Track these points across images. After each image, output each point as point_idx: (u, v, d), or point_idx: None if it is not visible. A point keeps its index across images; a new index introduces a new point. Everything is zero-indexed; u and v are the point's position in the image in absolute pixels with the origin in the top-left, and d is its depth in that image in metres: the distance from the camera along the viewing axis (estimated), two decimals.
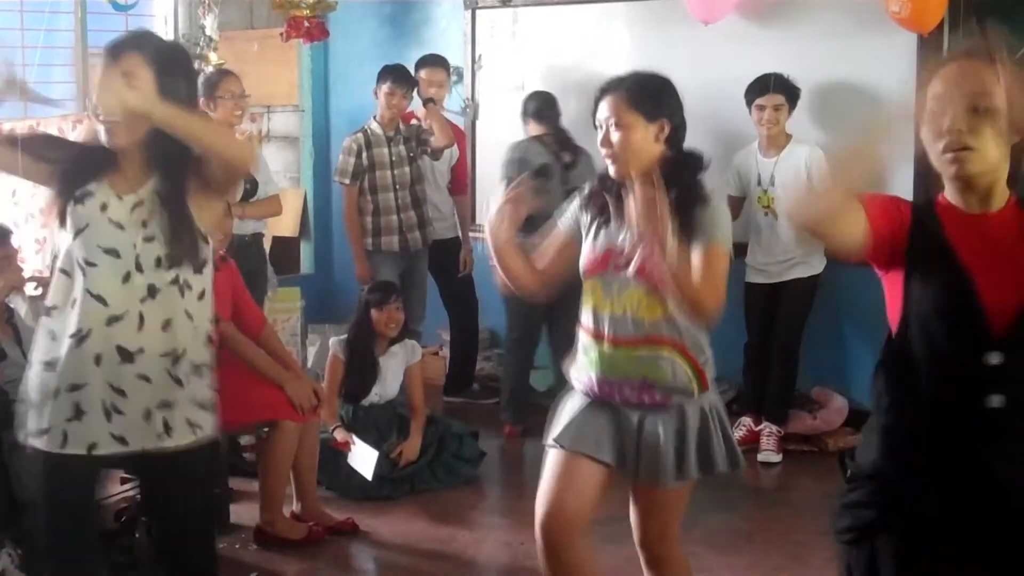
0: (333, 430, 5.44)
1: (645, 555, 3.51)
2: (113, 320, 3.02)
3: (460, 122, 7.30)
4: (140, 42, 3.08)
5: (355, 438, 5.42)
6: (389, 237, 6.55)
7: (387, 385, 5.63)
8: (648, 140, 3.25)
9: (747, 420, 6.12)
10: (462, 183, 7.15)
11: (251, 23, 7.71)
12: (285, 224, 7.64)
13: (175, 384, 3.07)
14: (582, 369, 3.34)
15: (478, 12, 7.40)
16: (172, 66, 3.06)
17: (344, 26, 7.73)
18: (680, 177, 3.22)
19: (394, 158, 6.56)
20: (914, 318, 2.38)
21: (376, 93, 6.60)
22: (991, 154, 2.33)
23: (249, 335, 4.91)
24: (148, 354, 3.04)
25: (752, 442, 6.01)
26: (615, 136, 3.24)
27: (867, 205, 2.41)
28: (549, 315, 6.12)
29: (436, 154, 6.78)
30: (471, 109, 7.35)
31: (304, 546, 4.88)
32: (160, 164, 3.03)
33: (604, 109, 3.29)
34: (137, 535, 4.49)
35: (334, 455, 5.37)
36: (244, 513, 5.11)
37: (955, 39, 5.82)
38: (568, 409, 3.37)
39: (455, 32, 7.50)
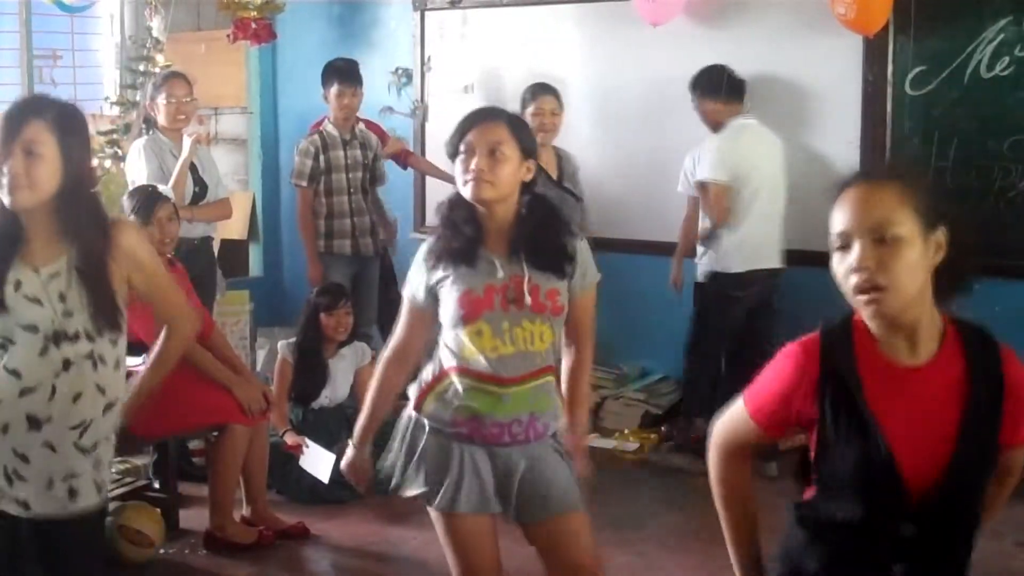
0: (283, 433, 5.41)
1: None
2: (26, 391, 2.99)
3: (409, 124, 7.30)
4: (39, 108, 3.02)
5: (308, 441, 5.40)
6: (341, 240, 6.51)
7: (337, 388, 5.61)
8: (519, 176, 3.17)
9: (698, 421, 6.12)
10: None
11: (198, 25, 7.65)
12: (234, 227, 7.59)
13: (79, 454, 3.03)
14: (456, 412, 3.14)
15: (427, 14, 7.40)
16: (72, 128, 3.03)
17: (292, 28, 7.69)
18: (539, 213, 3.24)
19: (349, 161, 6.50)
20: (829, 479, 2.26)
21: (325, 97, 6.54)
22: (908, 289, 2.11)
23: (197, 339, 4.88)
24: (56, 424, 3.00)
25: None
26: (491, 162, 3.10)
27: (755, 418, 2.36)
28: None
29: (382, 178, 6.76)
30: (420, 111, 7.34)
31: (254, 550, 4.86)
32: (74, 236, 2.98)
33: (489, 132, 3.14)
34: None
35: (284, 458, 5.35)
36: (193, 518, 5.07)
37: (900, 41, 5.89)
38: (433, 459, 3.19)
39: (404, 34, 7.49)
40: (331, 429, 5.57)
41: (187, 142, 5.69)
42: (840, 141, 6.11)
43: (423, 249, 3.23)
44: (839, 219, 2.14)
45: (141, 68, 6.51)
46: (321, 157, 6.44)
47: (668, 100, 6.24)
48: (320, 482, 5.33)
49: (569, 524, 3.21)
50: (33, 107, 3.03)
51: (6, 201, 2.97)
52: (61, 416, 2.99)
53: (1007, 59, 5.67)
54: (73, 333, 2.98)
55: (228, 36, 7.11)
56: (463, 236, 3.15)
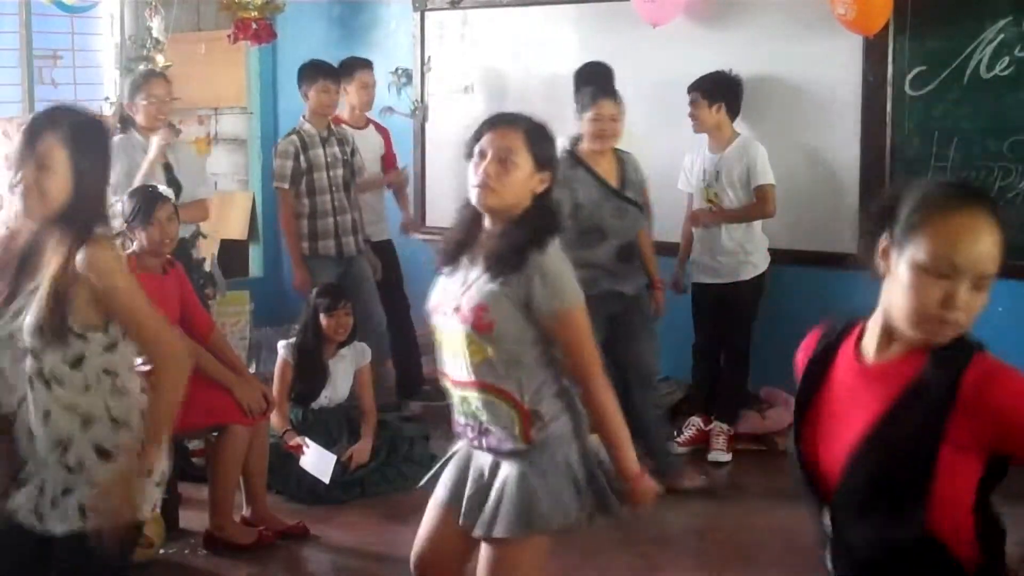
0: (284, 434, 5.41)
1: None
2: (20, 402, 3.04)
3: (409, 124, 7.30)
4: (56, 121, 3.03)
5: (308, 441, 5.40)
6: (326, 241, 6.45)
7: (337, 388, 5.61)
8: (529, 187, 3.12)
9: (696, 420, 6.14)
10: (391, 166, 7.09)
11: (198, 25, 7.66)
12: (234, 227, 7.59)
13: (66, 472, 3.02)
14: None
15: (427, 14, 7.40)
16: (86, 143, 3.03)
17: (292, 28, 7.69)
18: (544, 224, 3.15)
19: (329, 159, 6.45)
20: None
21: (306, 94, 6.50)
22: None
23: (197, 339, 4.88)
24: (40, 440, 3.03)
25: (702, 442, 6.04)
26: (499, 169, 3.07)
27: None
28: None
29: (360, 173, 6.73)
30: (420, 111, 7.34)
31: (254, 551, 4.85)
32: (64, 249, 2.98)
33: (498, 138, 3.11)
34: None
35: (284, 459, 5.35)
36: (193, 518, 5.07)
37: (900, 42, 5.89)
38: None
39: (404, 34, 7.49)
40: (331, 429, 5.57)
41: (154, 142, 5.59)
42: (840, 141, 6.11)
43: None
44: (938, 245, 2.05)
45: (141, 68, 6.50)
46: (301, 157, 6.40)
47: (668, 100, 6.24)
48: (320, 482, 5.33)
49: (489, 551, 3.14)
50: (50, 120, 3.04)
51: (20, 210, 3.00)
52: (42, 432, 3.02)
53: (1007, 59, 5.67)
54: (24, 349, 2.99)
55: (228, 36, 7.10)
56: (452, 240, 3.22)
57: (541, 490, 3.07)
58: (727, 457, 5.99)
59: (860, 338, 2.23)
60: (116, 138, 5.66)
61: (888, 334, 2.16)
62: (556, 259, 3.12)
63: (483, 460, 3.21)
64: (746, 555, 4.83)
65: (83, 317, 2.99)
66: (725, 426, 6.04)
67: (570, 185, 5.11)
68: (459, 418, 3.23)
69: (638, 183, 5.53)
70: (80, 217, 3.00)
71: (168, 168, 5.72)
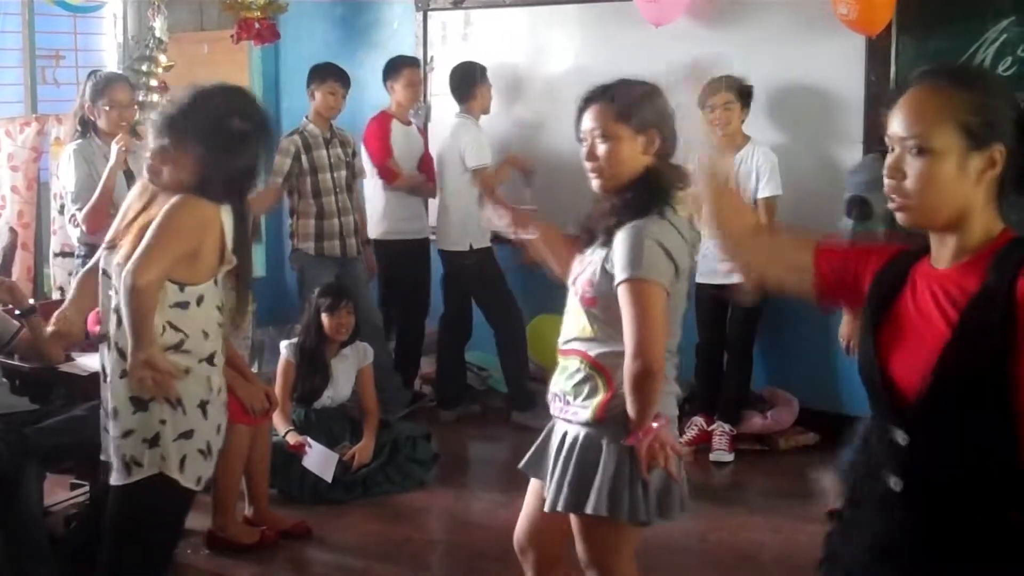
0: (286, 434, 5.41)
1: None
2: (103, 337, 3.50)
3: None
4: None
5: (311, 441, 5.40)
6: (331, 242, 6.49)
7: (339, 388, 5.61)
8: (635, 153, 3.07)
9: (699, 420, 6.14)
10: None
11: (201, 25, 7.66)
12: None
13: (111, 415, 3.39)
14: None
15: (430, 14, 7.40)
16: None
17: (295, 28, 7.70)
18: (649, 189, 3.07)
19: (333, 160, 6.50)
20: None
21: (312, 94, 6.54)
22: (932, 203, 2.09)
23: None
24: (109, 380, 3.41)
25: (704, 442, 6.05)
26: (601, 149, 3.07)
27: (819, 256, 2.31)
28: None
29: (360, 174, 6.75)
30: (423, 111, 7.34)
31: (256, 550, 4.86)
32: None
33: (588, 120, 3.12)
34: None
35: (286, 458, 5.35)
36: (196, 518, 5.04)
37: (902, 42, 5.89)
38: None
39: (407, 34, 7.49)
40: (333, 429, 5.57)
41: (114, 149, 5.41)
42: (842, 141, 6.11)
43: None
44: (891, 121, 2.11)
45: (144, 68, 6.49)
46: (303, 157, 6.42)
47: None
48: (322, 482, 5.34)
49: (556, 519, 3.23)
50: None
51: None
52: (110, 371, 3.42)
53: (1010, 59, 5.67)
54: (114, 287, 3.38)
55: (231, 36, 7.11)
56: (582, 219, 3.19)
57: (606, 471, 3.06)
58: (730, 457, 6.00)
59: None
60: (75, 144, 5.59)
61: (944, 242, 2.12)
62: (640, 229, 2.99)
63: (564, 432, 3.19)
64: (748, 555, 4.83)
65: None
66: (727, 426, 6.05)
67: None
68: (552, 388, 3.21)
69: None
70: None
71: (130, 175, 5.51)
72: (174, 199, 3.26)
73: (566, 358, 3.17)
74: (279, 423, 5.38)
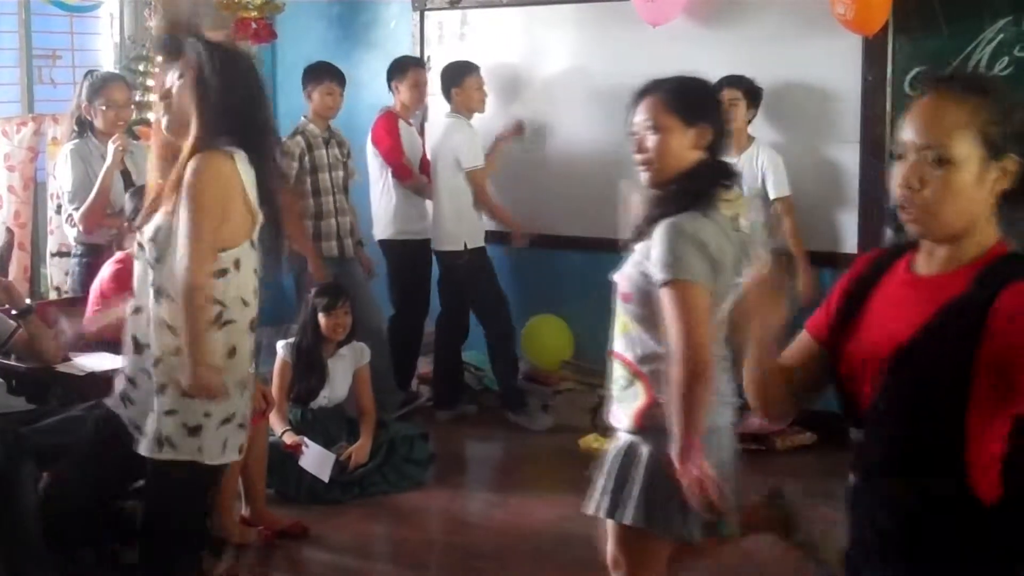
0: (283, 434, 5.41)
1: None
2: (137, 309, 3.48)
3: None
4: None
5: (308, 441, 5.39)
6: (329, 242, 6.49)
7: (336, 388, 5.61)
8: (685, 146, 3.04)
9: None
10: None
11: None
12: None
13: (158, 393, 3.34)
14: None
15: (427, 14, 7.40)
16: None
17: (292, 28, 7.68)
18: (695, 184, 3.02)
19: (331, 160, 6.50)
20: None
21: (310, 95, 6.54)
22: (948, 215, 2.05)
23: None
24: (146, 352, 3.39)
25: None
26: (651, 141, 3.05)
27: (812, 330, 2.33)
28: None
29: (353, 174, 6.73)
30: (420, 111, 7.33)
31: (253, 550, 4.85)
32: None
33: (640, 112, 3.09)
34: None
35: (283, 458, 5.34)
36: None
37: (899, 41, 5.89)
38: None
39: (403, 34, 7.49)
40: (330, 429, 5.57)
41: (111, 149, 5.42)
42: (839, 141, 6.11)
43: None
44: (904, 128, 2.07)
45: (141, 68, 6.48)
46: (306, 158, 6.43)
47: None
48: (319, 482, 5.34)
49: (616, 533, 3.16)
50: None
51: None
52: (149, 344, 3.40)
53: (1006, 59, 5.67)
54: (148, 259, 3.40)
55: (228, 36, 7.09)
56: (636, 220, 3.11)
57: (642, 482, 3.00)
58: None
59: (916, 252, 2.16)
60: (72, 143, 5.59)
61: (938, 250, 2.10)
62: (676, 225, 2.93)
63: (617, 437, 3.13)
64: (746, 555, 4.82)
65: None
66: None
67: None
68: (609, 389, 3.15)
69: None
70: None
71: (126, 175, 5.56)
72: (189, 165, 3.22)
73: (615, 362, 3.13)
74: (276, 423, 5.38)
